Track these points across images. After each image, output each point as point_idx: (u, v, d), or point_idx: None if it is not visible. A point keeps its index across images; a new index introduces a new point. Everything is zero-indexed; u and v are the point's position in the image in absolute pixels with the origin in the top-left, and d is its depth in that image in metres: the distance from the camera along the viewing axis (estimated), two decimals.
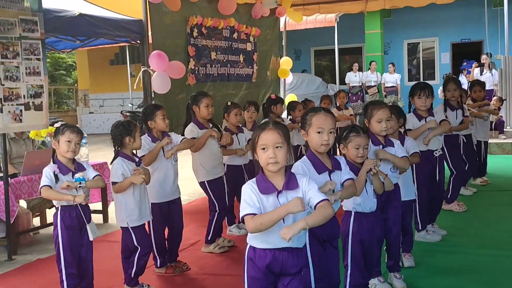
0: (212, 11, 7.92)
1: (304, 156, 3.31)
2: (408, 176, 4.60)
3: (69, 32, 6.49)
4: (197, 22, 7.58)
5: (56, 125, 4.03)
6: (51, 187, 3.82)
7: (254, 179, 2.81)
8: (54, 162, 3.94)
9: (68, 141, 3.88)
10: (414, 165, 5.02)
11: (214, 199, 5.42)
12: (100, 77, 21.30)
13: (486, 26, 13.38)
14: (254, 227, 2.69)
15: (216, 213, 5.41)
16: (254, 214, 2.69)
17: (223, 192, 5.52)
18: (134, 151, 4.35)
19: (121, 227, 4.37)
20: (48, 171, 3.86)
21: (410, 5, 9.76)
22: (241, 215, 2.72)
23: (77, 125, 4.11)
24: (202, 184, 5.46)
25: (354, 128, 3.68)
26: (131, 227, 4.27)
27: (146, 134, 4.71)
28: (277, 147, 2.73)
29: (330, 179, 3.22)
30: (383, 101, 15.85)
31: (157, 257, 4.79)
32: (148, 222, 4.58)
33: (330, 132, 3.18)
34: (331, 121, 3.21)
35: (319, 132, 3.18)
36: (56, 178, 3.85)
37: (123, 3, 7.93)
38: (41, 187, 3.85)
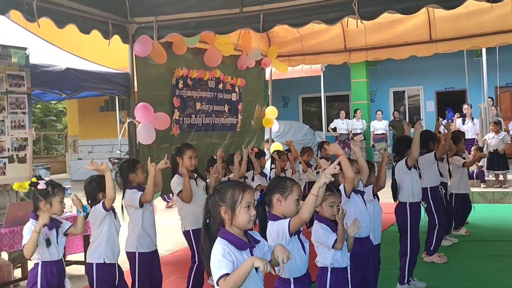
0: (197, 63, 8.05)
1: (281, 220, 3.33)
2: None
3: (56, 86, 6.58)
4: (183, 74, 7.73)
5: (40, 186, 3.97)
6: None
7: (222, 240, 2.77)
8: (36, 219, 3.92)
9: (60, 202, 3.99)
10: (409, 220, 5.38)
11: (196, 250, 5.33)
12: (89, 124, 21.41)
13: (466, 76, 13.71)
14: None
15: (195, 265, 5.34)
16: (228, 274, 2.66)
17: None
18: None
19: (88, 262, 4.37)
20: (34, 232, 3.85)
21: (392, 57, 9.97)
22: (217, 276, 2.66)
23: (50, 179, 4.14)
24: (186, 233, 5.37)
25: (328, 186, 3.63)
26: (96, 263, 4.29)
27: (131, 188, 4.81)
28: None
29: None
30: (371, 146, 16.15)
31: None
32: (132, 274, 4.60)
33: None
34: None
35: (297, 200, 3.35)
36: (48, 242, 3.91)
37: (110, 55, 8.11)
38: (24, 245, 3.88)
